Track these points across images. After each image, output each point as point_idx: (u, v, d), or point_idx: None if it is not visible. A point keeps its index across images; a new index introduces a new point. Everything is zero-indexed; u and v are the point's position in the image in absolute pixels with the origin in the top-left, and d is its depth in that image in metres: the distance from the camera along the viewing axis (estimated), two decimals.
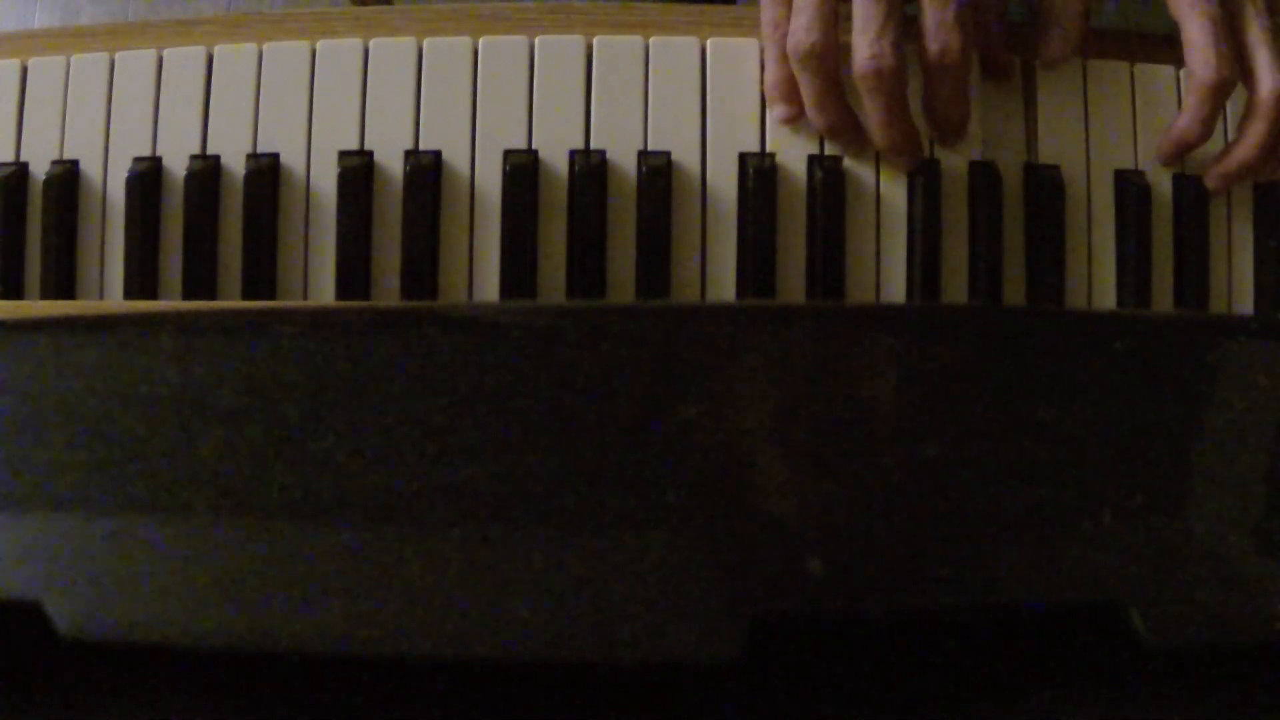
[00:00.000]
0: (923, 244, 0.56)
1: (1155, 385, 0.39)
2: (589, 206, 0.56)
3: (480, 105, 0.57)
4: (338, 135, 0.57)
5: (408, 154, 0.56)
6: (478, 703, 0.36)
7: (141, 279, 0.56)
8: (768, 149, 0.57)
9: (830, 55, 0.53)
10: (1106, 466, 0.37)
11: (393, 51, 0.57)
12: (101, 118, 0.57)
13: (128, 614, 0.34)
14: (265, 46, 0.57)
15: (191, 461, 0.36)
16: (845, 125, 0.55)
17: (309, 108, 0.57)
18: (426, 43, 0.57)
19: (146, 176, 0.56)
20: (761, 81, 0.57)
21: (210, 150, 0.57)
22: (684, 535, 0.36)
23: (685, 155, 0.57)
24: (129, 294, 0.56)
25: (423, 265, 0.56)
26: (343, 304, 0.56)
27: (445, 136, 0.57)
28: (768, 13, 0.55)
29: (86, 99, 0.57)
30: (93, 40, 0.58)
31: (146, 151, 0.57)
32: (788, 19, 0.54)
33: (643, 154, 0.56)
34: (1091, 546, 0.36)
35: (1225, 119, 0.58)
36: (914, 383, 0.39)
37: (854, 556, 0.36)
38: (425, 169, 0.56)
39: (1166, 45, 0.56)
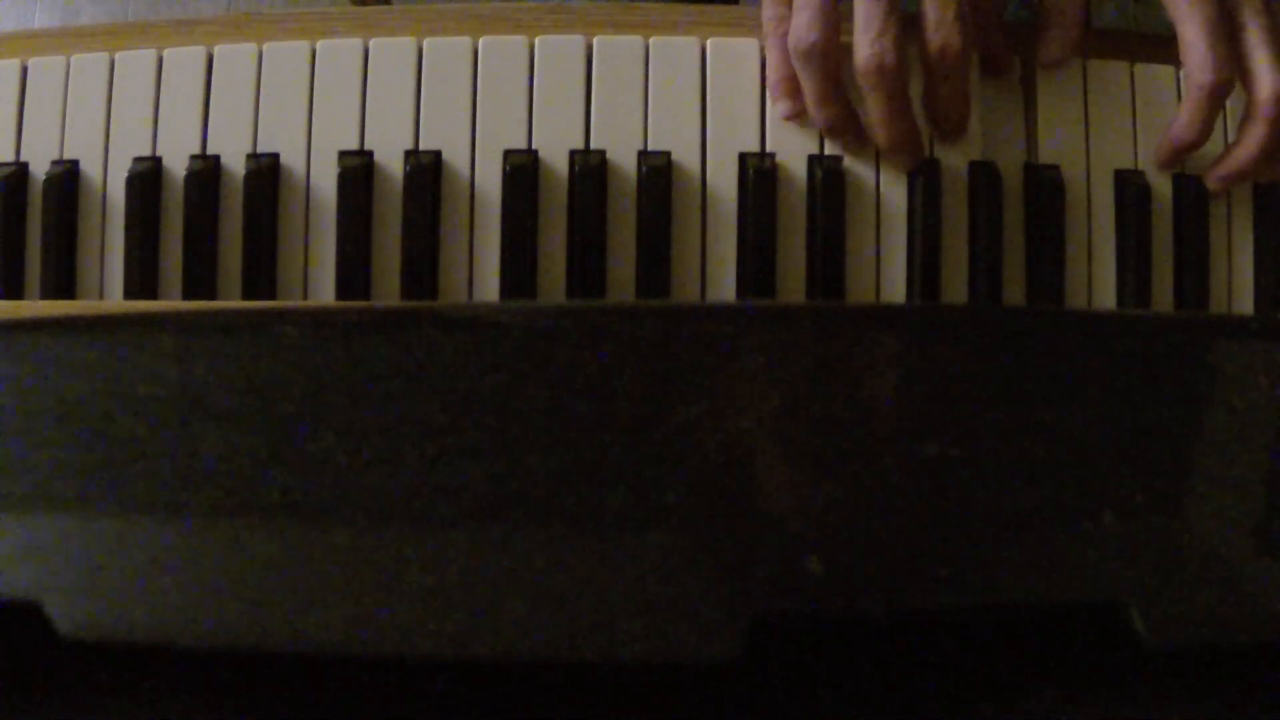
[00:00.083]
0: (923, 244, 0.56)
1: (1155, 385, 0.39)
2: (589, 206, 0.56)
3: (480, 105, 0.57)
4: (338, 135, 0.57)
5: (408, 154, 0.56)
6: (478, 703, 0.36)
7: (141, 279, 0.56)
8: (768, 149, 0.57)
9: (832, 52, 0.53)
10: (1106, 467, 0.37)
11: (393, 51, 0.57)
12: (101, 118, 0.57)
13: (128, 614, 0.34)
14: (265, 46, 0.57)
15: (191, 461, 0.36)
16: (846, 123, 0.55)
17: (309, 108, 0.57)
18: (426, 43, 0.57)
19: (146, 176, 0.56)
20: (762, 81, 0.57)
21: (210, 150, 0.57)
22: (684, 535, 0.36)
23: (685, 155, 0.57)
24: (129, 294, 0.56)
25: (423, 265, 0.56)
26: (343, 304, 0.56)
27: (445, 136, 0.57)
28: (769, 10, 0.56)
29: (86, 99, 0.57)
30: (93, 40, 0.58)
31: (146, 151, 0.57)
32: (789, 16, 0.54)
33: (643, 154, 0.56)
34: (1091, 546, 0.36)
35: (1225, 119, 0.58)
36: (914, 383, 0.39)
37: (853, 556, 0.36)
38: (425, 169, 0.56)
39: (1166, 45, 0.56)
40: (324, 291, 0.56)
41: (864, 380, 0.39)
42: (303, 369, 0.38)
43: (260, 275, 0.56)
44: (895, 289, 0.56)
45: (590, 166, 0.56)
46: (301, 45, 0.57)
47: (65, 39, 0.59)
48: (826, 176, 0.56)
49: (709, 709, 0.36)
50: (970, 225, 0.57)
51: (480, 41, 0.57)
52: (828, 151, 0.57)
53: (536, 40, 0.57)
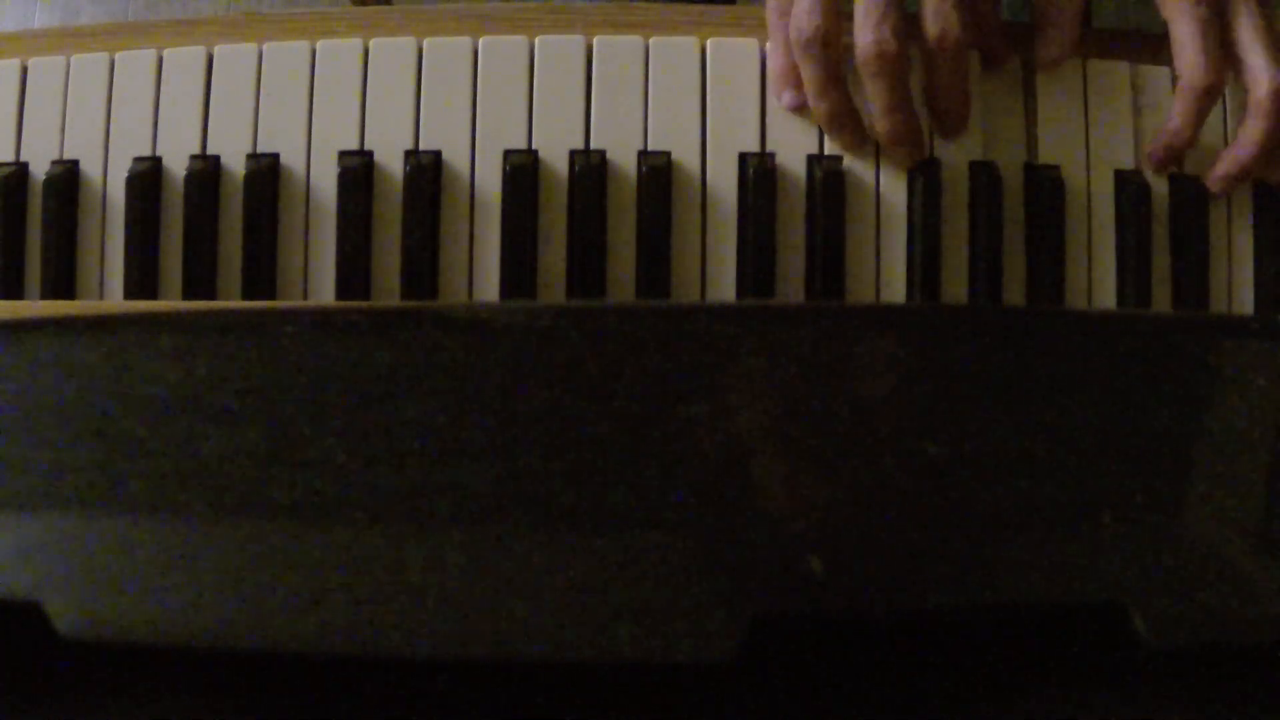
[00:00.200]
0: (923, 244, 0.56)
1: (1155, 385, 0.39)
2: (589, 206, 0.56)
3: (480, 105, 0.57)
4: (338, 135, 0.57)
5: (408, 154, 0.56)
6: (478, 703, 0.36)
7: (141, 279, 0.56)
8: (768, 149, 0.57)
9: (833, 41, 0.53)
10: (1106, 467, 0.37)
11: (393, 51, 0.57)
12: (101, 118, 0.57)
13: (128, 614, 0.34)
14: (265, 46, 0.57)
15: (191, 461, 0.36)
16: (846, 114, 0.55)
17: (309, 108, 0.57)
18: (426, 43, 0.57)
19: (146, 176, 0.56)
20: (762, 81, 0.57)
21: (210, 150, 0.57)
22: (683, 535, 0.36)
23: (685, 155, 0.57)
24: (129, 294, 0.56)
25: (423, 265, 0.56)
26: (343, 304, 0.56)
27: (445, 136, 0.57)
28: (773, 1, 0.56)
29: (86, 99, 0.57)
30: (93, 40, 0.58)
31: (146, 151, 0.57)
32: (790, 4, 0.54)
33: (643, 154, 0.56)
34: (1091, 547, 0.36)
35: (1225, 120, 0.58)
36: (913, 383, 0.39)
37: (853, 556, 0.36)
38: (425, 169, 0.56)
39: (1166, 45, 0.56)
40: (324, 291, 0.56)
41: (864, 380, 0.39)
42: (303, 369, 0.38)
43: (260, 275, 0.56)
44: (895, 289, 0.56)
45: (590, 166, 0.56)
46: (301, 45, 0.57)
47: (65, 39, 0.59)
48: (826, 176, 0.56)
49: (708, 709, 0.36)
50: (970, 225, 0.57)
51: (480, 41, 0.57)
52: (828, 151, 0.57)
53: (536, 40, 0.57)
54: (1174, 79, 0.57)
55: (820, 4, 0.53)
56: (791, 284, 0.56)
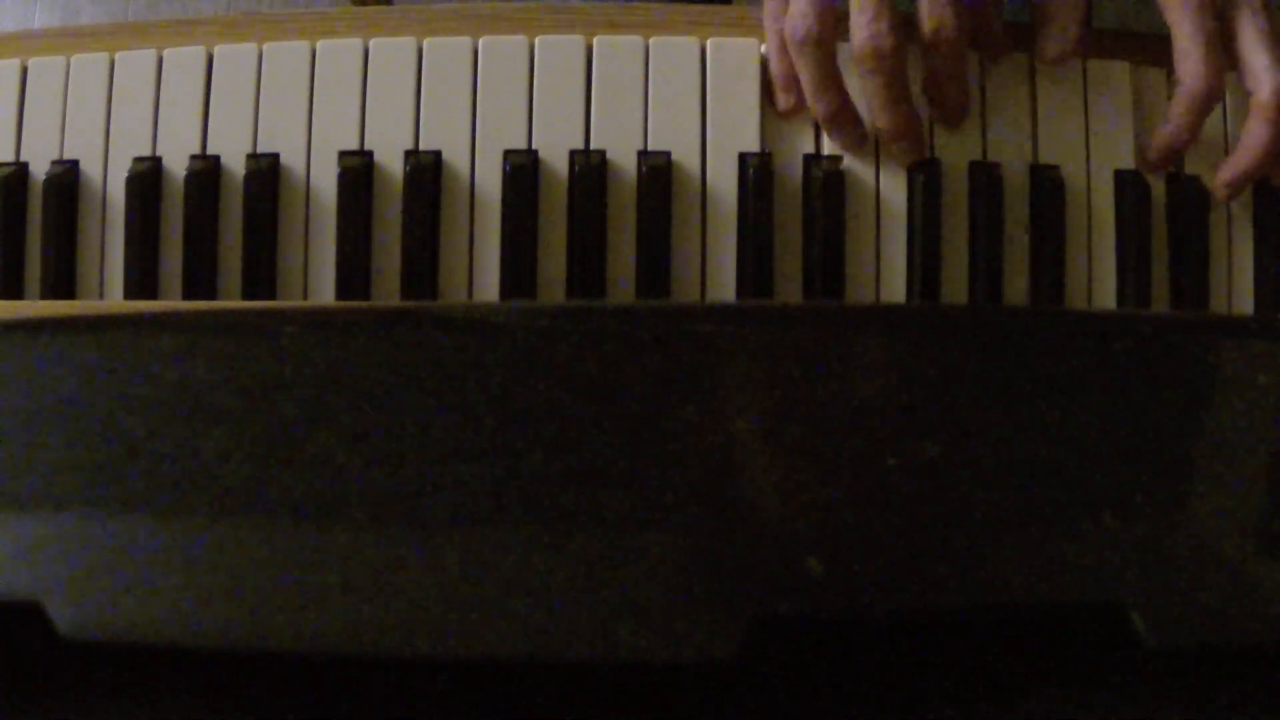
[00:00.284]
0: (923, 244, 0.56)
1: (1155, 385, 0.39)
2: (589, 206, 0.56)
3: (480, 105, 0.57)
4: (338, 135, 0.57)
5: (408, 154, 0.56)
6: (478, 703, 0.36)
7: (141, 279, 0.56)
8: (767, 149, 0.57)
9: (827, 41, 0.53)
10: (1106, 467, 0.37)
11: (393, 51, 0.57)
12: (101, 118, 0.57)
13: (128, 614, 0.34)
14: (265, 46, 0.57)
15: (192, 461, 0.36)
16: (844, 113, 0.55)
17: (309, 108, 0.57)
18: (426, 43, 0.57)
19: (146, 176, 0.56)
20: (762, 81, 0.57)
21: (210, 150, 0.57)
22: (683, 535, 0.36)
23: (685, 155, 0.57)
24: (129, 294, 0.56)
25: (423, 265, 0.56)
26: (343, 304, 0.56)
27: (445, 136, 0.57)
28: (769, 4, 0.56)
29: (86, 99, 0.57)
30: (93, 40, 0.58)
31: (146, 151, 0.57)
32: (785, 7, 0.54)
33: (643, 154, 0.56)
34: (1092, 547, 0.36)
35: (1225, 119, 0.58)
36: (913, 383, 0.39)
37: (853, 557, 0.36)
38: (425, 169, 0.56)
39: (1166, 45, 0.56)
40: (324, 291, 0.56)
41: (863, 381, 0.39)
42: (303, 369, 0.38)
43: (260, 275, 0.56)
44: (895, 289, 0.56)
45: (590, 166, 0.56)
46: (301, 45, 0.57)
47: (65, 39, 0.59)
48: (826, 176, 0.56)
49: (708, 709, 0.36)
50: (970, 225, 0.57)
51: (480, 41, 0.57)
52: (827, 151, 0.57)
53: (536, 40, 0.57)
54: (1169, 76, 0.57)
55: (813, 5, 0.53)
56: (791, 284, 0.56)
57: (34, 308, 0.55)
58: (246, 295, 0.56)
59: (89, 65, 0.57)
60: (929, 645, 0.37)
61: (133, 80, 0.57)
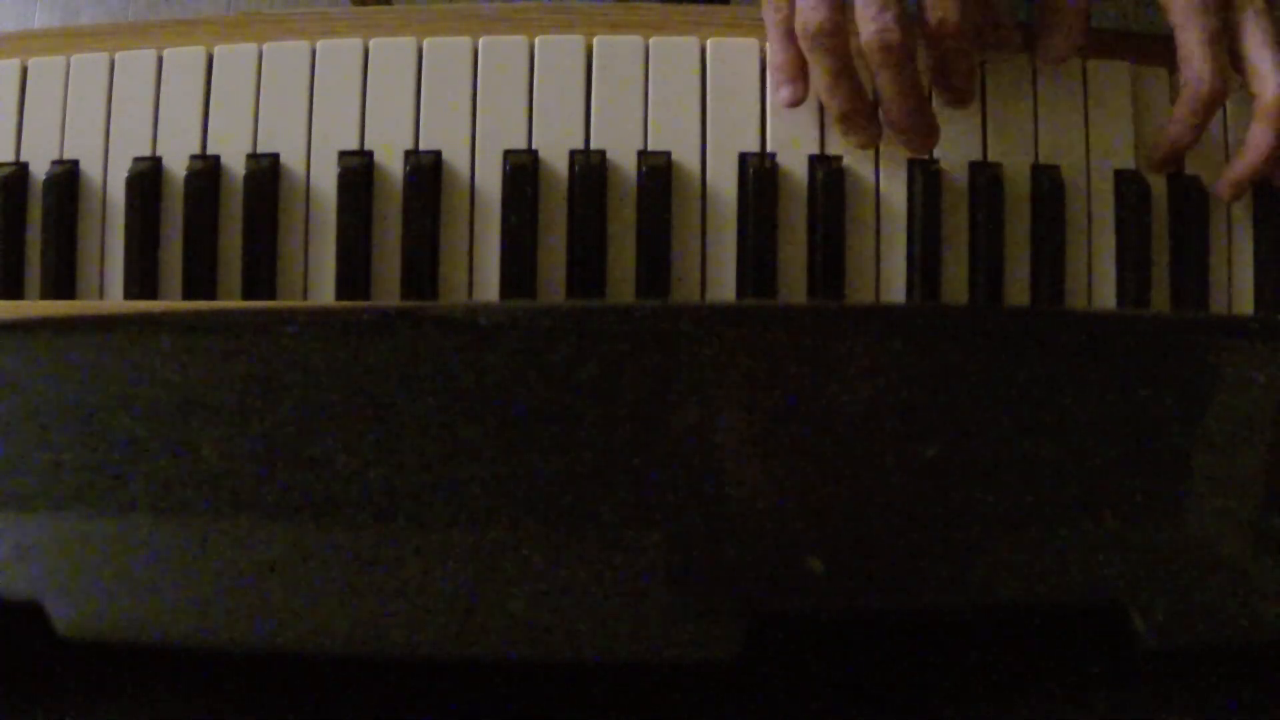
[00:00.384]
0: (923, 244, 0.56)
1: (1155, 385, 0.39)
2: (589, 206, 0.56)
3: (480, 105, 0.57)
4: (338, 135, 0.57)
5: (408, 154, 0.56)
6: (478, 703, 0.36)
7: (141, 279, 0.56)
8: (768, 149, 0.57)
9: (841, 33, 0.53)
10: (1106, 466, 0.37)
11: (393, 51, 0.57)
12: (101, 118, 0.57)
13: (128, 614, 0.34)
14: (265, 46, 0.57)
15: (192, 461, 0.36)
16: (859, 107, 0.55)
17: (309, 108, 0.57)
18: (426, 43, 0.57)
19: (146, 176, 0.56)
20: (762, 81, 0.57)
21: (210, 150, 0.57)
22: (683, 535, 0.36)
23: (685, 155, 0.57)
24: (129, 294, 0.56)
25: (423, 265, 0.56)
26: (343, 304, 0.56)
27: (445, 136, 0.57)
28: None
29: (86, 99, 0.57)
30: (93, 40, 0.58)
31: (146, 151, 0.57)
32: (789, 2, 0.54)
33: (643, 154, 0.56)
34: (1091, 547, 0.36)
35: (1225, 118, 0.58)
36: (913, 383, 0.39)
37: (853, 556, 0.36)
38: (425, 169, 0.56)
39: (1166, 45, 0.56)
40: (324, 291, 0.56)
41: (864, 380, 0.39)
42: (302, 369, 0.38)
43: (260, 275, 0.56)
44: (895, 289, 0.56)
45: (590, 166, 0.56)
46: (301, 45, 0.57)
47: (65, 39, 0.59)
48: (826, 176, 0.56)
49: (708, 709, 0.36)
50: (970, 225, 0.57)
51: (480, 41, 0.57)
52: (828, 151, 0.57)
53: (536, 40, 0.57)
54: (1171, 75, 0.57)
55: None
56: (791, 284, 0.56)
57: (34, 308, 0.55)
58: (246, 295, 0.56)
59: (89, 65, 0.57)
60: (929, 645, 0.37)
61: (133, 80, 0.57)
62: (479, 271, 0.56)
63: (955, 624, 0.37)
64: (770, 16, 0.56)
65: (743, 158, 0.57)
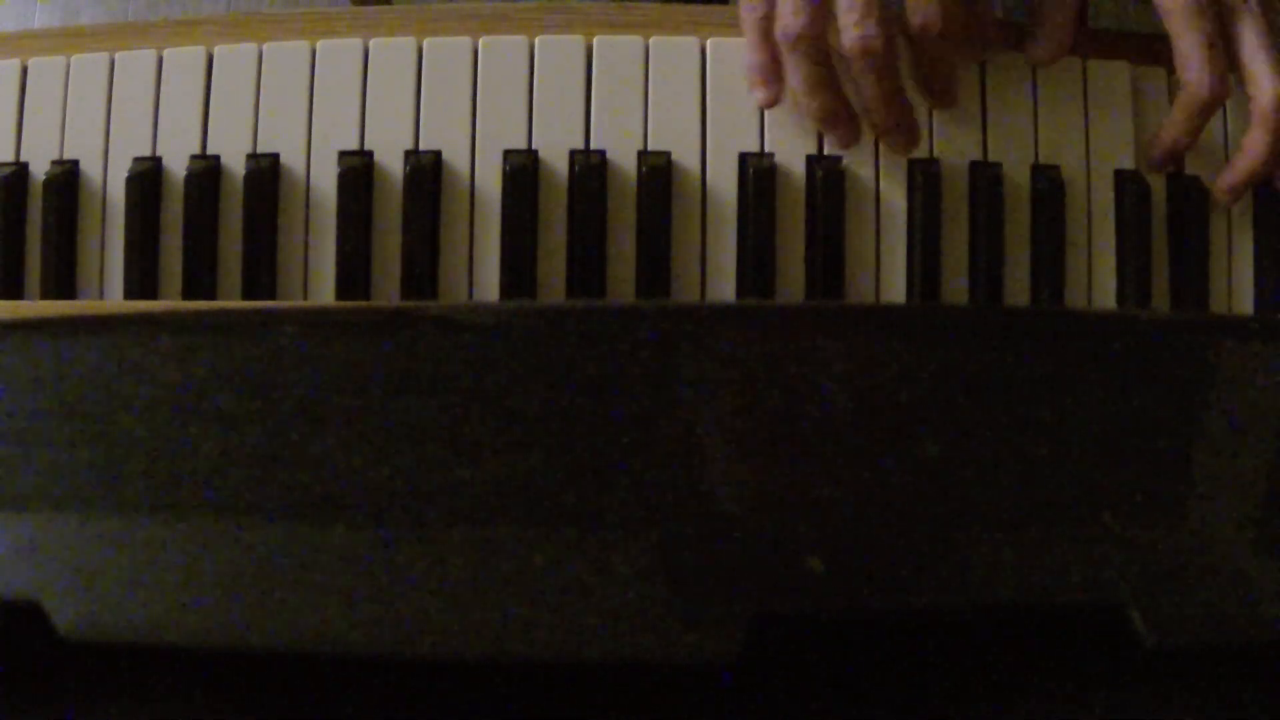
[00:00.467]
0: (923, 244, 0.56)
1: (1155, 385, 0.39)
2: (589, 206, 0.56)
3: (480, 105, 0.57)
4: (338, 135, 0.57)
5: (408, 154, 0.56)
6: (478, 703, 0.36)
7: (141, 279, 0.56)
8: (767, 149, 0.57)
9: (821, 37, 0.53)
10: (1106, 467, 0.37)
11: (393, 51, 0.57)
12: (101, 118, 0.57)
13: (128, 614, 0.34)
14: (265, 46, 0.57)
15: (192, 461, 0.36)
16: (839, 111, 0.55)
17: (309, 108, 0.57)
18: (426, 43, 0.57)
19: (146, 176, 0.56)
20: None
21: (210, 150, 0.57)
22: (684, 535, 0.36)
23: (685, 155, 0.57)
24: (129, 294, 0.56)
25: (423, 265, 0.56)
26: (343, 304, 0.56)
27: (445, 136, 0.57)
28: None
29: (86, 99, 0.57)
30: (93, 40, 0.58)
31: (146, 151, 0.57)
32: (768, 1, 0.54)
33: (643, 154, 0.56)
34: (1091, 547, 0.36)
35: (1225, 118, 0.58)
36: (913, 383, 0.39)
37: (853, 557, 0.36)
38: (425, 169, 0.56)
39: (1167, 45, 0.56)
40: (324, 291, 0.56)
41: (864, 380, 0.39)
42: (302, 369, 0.38)
43: (260, 275, 0.56)
44: (895, 289, 0.56)
45: (590, 166, 0.56)
46: (301, 45, 0.57)
47: (65, 39, 0.59)
48: (826, 176, 0.56)
49: (709, 709, 0.36)
50: (970, 225, 0.57)
51: (480, 41, 0.57)
52: (827, 151, 0.57)
53: (536, 40, 0.57)
54: (1171, 75, 0.57)
55: (806, 2, 0.53)
56: (791, 284, 0.56)
57: (34, 308, 0.55)
58: (246, 295, 0.56)
59: (89, 65, 0.57)
60: (929, 645, 0.37)
61: (133, 80, 0.57)
62: (479, 271, 0.56)
63: (955, 624, 0.37)
64: (747, 15, 0.55)
65: (742, 158, 0.57)
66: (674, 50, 0.57)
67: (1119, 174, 0.57)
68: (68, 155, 0.57)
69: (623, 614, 0.34)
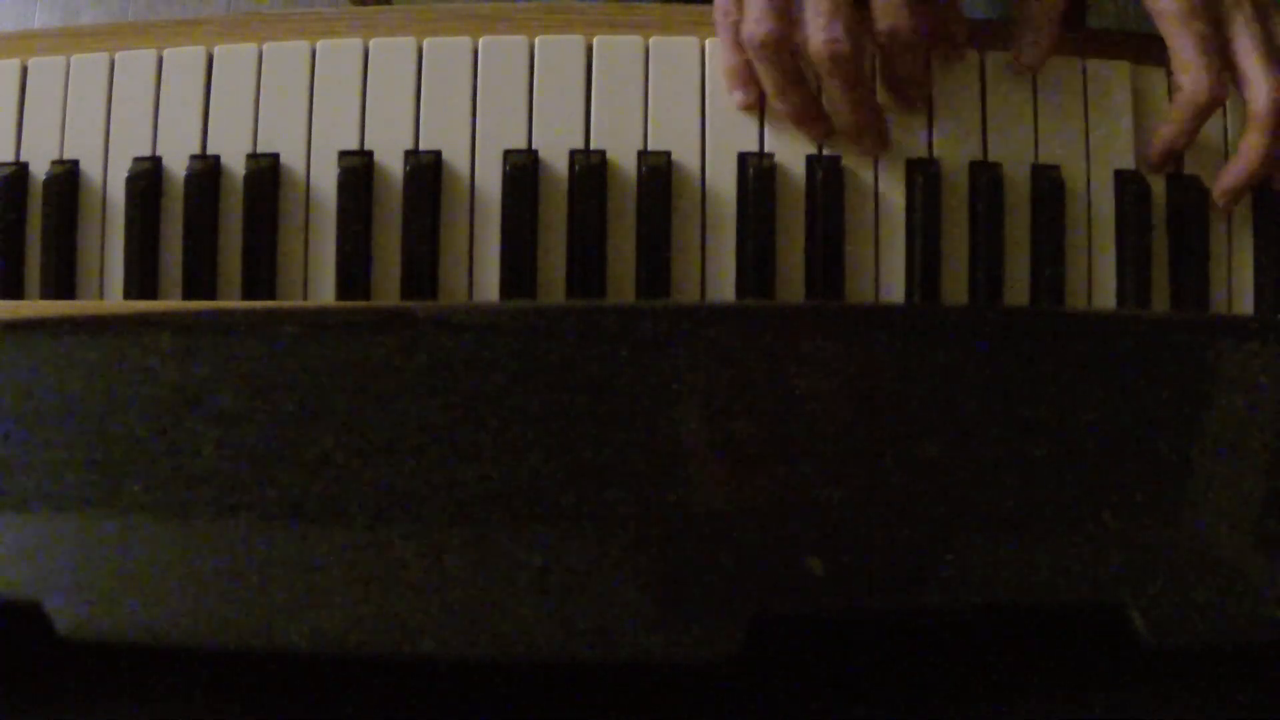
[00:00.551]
0: (923, 244, 0.56)
1: (1155, 385, 0.39)
2: (589, 206, 0.56)
3: (480, 105, 0.57)
4: (338, 135, 0.57)
5: (408, 154, 0.56)
6: (478, 703, 0.36)
7: (141, 279, 0.56)
8: (767, 149, 0.57)
9: (785, 43, 0.53)
10: (1106, 466, 0.37)
11: (393, 51, 0.57)
12: (101, 118, 0.57)
13: (128, 614, 0.34)
14: (265, 46, 0.57)
15: (191, 461, 0.36)
16: (809, 112, 0.55)
17: (309, 108, 0.57)
18: (426, 43, 0.57)
19: (146, 176, 0.56)
20: None
21: (210, 150, 0.57)
22: (683, 535, 0.36)
23: (685, 155, 0.57)
24: (129, 294, 0.56)
25: (423, 265, 0.56)
26: (343, 304, 0.56)
27: (445, 136, 0.57)
28: (720, 1, 0.55)
29: (86, 99, 0.57)
30: (93, 40, 0.58)
31: (146, 151, 0.57)
32: (739, 6, 0.54)
33: (643, 154, 0.56)
34: (1091, 546, 0.36)
35: (1225, 118, 0.58)
36: (913, 383, 0.39)
37: (854, 556, 0.36)
38: (425, 169, 0.56)
39: (1166, 46, 0.56)
40: (324, 291, 0.56)
41: (864, 380, 0.39)
42: (302, 369, 0.38)
43: (260, 275, 0.56)
44: (895, 289, 0.56)
45: (590, 166, 0.56)
46: (301, 45, 0.57)
47: (65, 39, 0.59)
48: (826, 176, 0.56)
49: (709, 709, 0.36)
50: (970, 225, 0.57)
51: (480, 41, 0.57)
52: (827, 151, 0.57)
53: (536, 40, 0.57)
54: (1169, 76, 0.57)
55: (769, 7, 0.53)
56: (791, 284, 0.56)
57: (34, 308, 0.55)
58: (246, 295, 0.56)
59: (89, 65, 0.57)
60: (929, 645, 0.37)
61: (133, 80, 0.57)
62: (479, 271, 0.56)
63: (955, 624, 0.37)
64: (720, 20, 0.55)
65: (742, 157, 0.57)
66: (674, 50, 0.57)
67: (1119, 174, 0.57)
68: (68, 155, 0.57)
69: (623, 614, 0.34)
